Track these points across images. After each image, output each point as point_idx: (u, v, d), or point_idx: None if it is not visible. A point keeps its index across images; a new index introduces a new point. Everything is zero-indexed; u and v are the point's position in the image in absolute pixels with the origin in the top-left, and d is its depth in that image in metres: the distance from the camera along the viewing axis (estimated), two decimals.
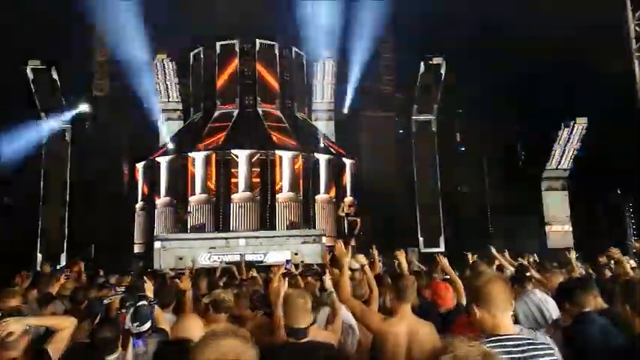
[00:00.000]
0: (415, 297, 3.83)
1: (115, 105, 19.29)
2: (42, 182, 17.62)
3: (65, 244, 17.18)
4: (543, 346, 2.24)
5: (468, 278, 2.25)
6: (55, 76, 17.01)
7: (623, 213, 17.39)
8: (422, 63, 18.09)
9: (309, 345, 2.93)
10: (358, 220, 17.29)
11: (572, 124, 17.85)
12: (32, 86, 17.02)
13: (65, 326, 3.23)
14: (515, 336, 2.21)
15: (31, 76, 16.90)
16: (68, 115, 18.05)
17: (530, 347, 2.18)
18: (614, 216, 17.42)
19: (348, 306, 3.81)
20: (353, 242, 16.85)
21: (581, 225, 17.81)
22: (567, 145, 18.17)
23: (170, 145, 19.06)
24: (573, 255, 7.32)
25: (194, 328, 2.90)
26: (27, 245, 16.66)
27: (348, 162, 19.26)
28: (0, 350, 2.79)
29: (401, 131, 20.14)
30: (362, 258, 8.56)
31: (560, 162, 18.36)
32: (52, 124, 17.89)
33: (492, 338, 2.14)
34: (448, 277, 6.34)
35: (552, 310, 4.12)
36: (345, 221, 17.23)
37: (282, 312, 3.86)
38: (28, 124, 17.81)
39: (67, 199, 17.63)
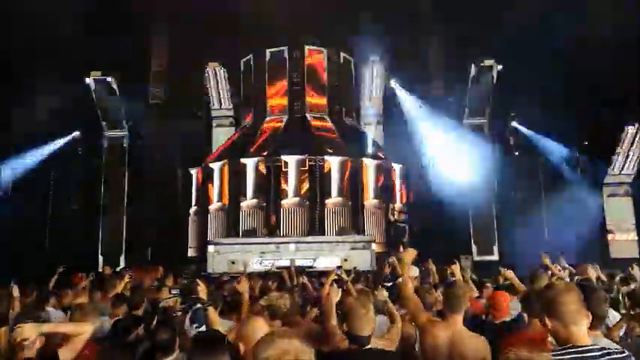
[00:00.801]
0: (467, 307, 3.72)
1: (170, 112, 19.96)
2: (102, 188, 18.50)
3: (124, 247, 17.93)
4: (623, 355, 2.17)
5: (539, 289, 2.24)
6: (114, 85, 17.84)
7: None
8: (473, 65, 17.70)
9: (371, 352, 2.96)
10: (407, 227, 17.07)
11: (636, 125, 16.88)
12: (93, 96, 17.92)
13: (83, 332, 3.29)
14: (592, 347, 2.15)
15: (92, 86, 17.80)
16: (126, 123, 18.89)
17: (609, 357, 2.15)
18: None
19: (408, 303, 3.78)
20: (402, 249, 16.65)
21: None
22: (631, 148, 17.18)
23: (223, 152, 19.52)
24: (637, 270, 6.90)
25: (262, 330, 2.91)
26: (89, 248, 17.50)
27: (397, 167, 19.06)
28: (14, 352, 2.92)
29: (454, 135, 19.69)
30: (415, 270, 8.44)
31: (623, 166, 17.39)
32: (111, 132, 18.80)
33: (570, 349, 2.12)
34: (503, 284, 6.15)
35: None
36: (394, 228, 17.05)
37: (335, 319, 3.89)
38: (90, 132, 18.79)
39: (125, 203, 18.42)
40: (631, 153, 17.27)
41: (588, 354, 2.11)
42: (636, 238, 16.94)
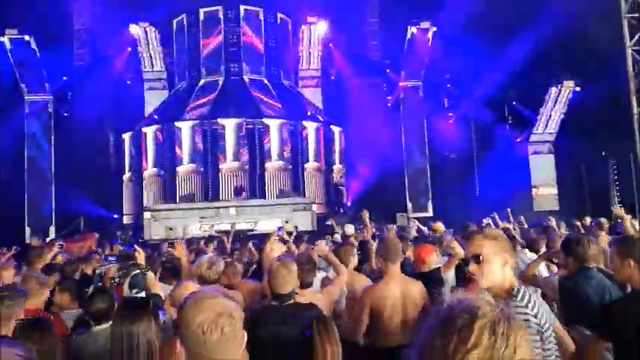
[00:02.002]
0: (401, 257, 3.94)
1: (98, 75, 18.85)
2: (26, 156, 17.36)
3: (54, 218, 17.08)
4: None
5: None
6: (33, 45, 16.55)
7: (607, 177, 17.58)
8: (409, 27, 17.87)
9: (291, 307, 3.05)
10: (344, 188, 17.39)
11: (559, 87, 17.85)
12: (10, 57, 16.57)
13: None
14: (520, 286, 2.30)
15: (9, 46, 16.43)
16: (50, 86, 17.68)
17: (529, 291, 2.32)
18: (598, 180, 17.64)
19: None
20: (341, 210, 17.03)
21: (566, 189, 18.06)
22: (554, 108, 18.22)
23: (156, 116, 18.81)
24: (553, 222, 7.49)
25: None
26: (16, 220, 16.52)
27: (336, 130, 19.19)
28: None
29: (389, 97, 20.05)
30: (350, 228, 8.67)
31: (546, 125, 18.45)
32: (33, 96, 17.54)
33: (522, 290, 2.24)
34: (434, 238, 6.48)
35: (542, 270, 4.26)
36: (333, 189, 17.35)
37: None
38: (9, 97, 17.44)
39: (53, 171, 17.44)
40: (553, 113, 18.31)
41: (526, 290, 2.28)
42: (557, 192, 18.20)
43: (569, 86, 17.73)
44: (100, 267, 5.55)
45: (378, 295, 3.58)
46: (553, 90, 17.90)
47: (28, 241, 13.83)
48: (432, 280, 4.07)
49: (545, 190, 18.20)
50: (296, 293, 3.16)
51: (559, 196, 18.02)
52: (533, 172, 18.43)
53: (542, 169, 18.48)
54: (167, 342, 2.52)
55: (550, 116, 18.26)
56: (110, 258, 6.10)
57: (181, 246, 5.89)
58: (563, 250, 3.59)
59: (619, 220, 4.60)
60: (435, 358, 0.87)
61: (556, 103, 18.13)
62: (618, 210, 4.65)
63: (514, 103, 19.40)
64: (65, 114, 18.46)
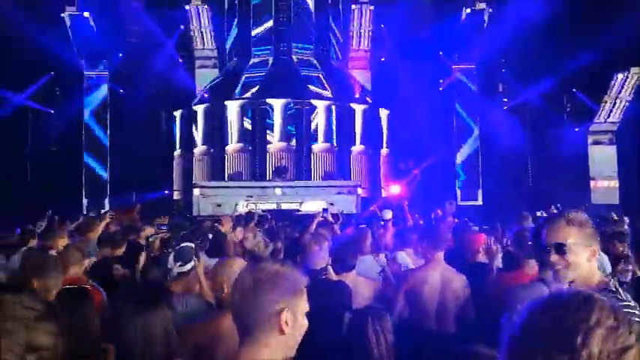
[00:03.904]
0: (447, 245, 3.83)
1: (151, 52, 19.21)
2: (83, 129, 18.05)
3: (108, 190, 17.76)
4: None
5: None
6: (91, 22, 17.06)
7: None
8: (464, 9, 17.24)
9: (321, 281, 3.04)
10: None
11: (625, 74, 16.76)
12: (70, 33, 17.14)
13: None
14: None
15: (68, 22, 17.00)
16: (106, 62, 18.21)
17: None
18: None
19: None
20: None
21: (628, 182, 17.03)
22: (618, 96, 17.14)
23: (206, 94, 19.06)
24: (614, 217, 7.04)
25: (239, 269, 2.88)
26: (73, 192, 17.24)
27: (384, 113, 18.85)
28: None
29: (441, 81, 19.45)
30: (389, 213, 8.64)
31: (609, 115, 17.41)
32: (90, 71, 18.14)
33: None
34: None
35: (606, 265, 4.00)
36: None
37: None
38: (68, 71, 18.08)
39: (108, 145, 18.09)
40: (618, 101, 17.24)
41: None
42: (617, 185, 17.21)
43: (637, 72, 16.62)
44: (152, 235, 5.70)
45: (416, 280, 3.50)
46: (619, 76, 16.83)
47: (85, 213, 14.41)
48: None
49: (605, 183, 17.25)
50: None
51: (620, 190, 17.04)
52: (592, 164, 17.50)
53: (603, 161, 17.50)
54: (208, 322, 2.46)
55: (614, 104, 17.22)
56: (162, 227, 6.26)
57: (229, 222, 5.92)
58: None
59: None
60: (546, 339, 0.78)
61: (621, 91, 17.05)
62: None
63: (574, 90, 18.39)
64: (121, 90, 18.99)
